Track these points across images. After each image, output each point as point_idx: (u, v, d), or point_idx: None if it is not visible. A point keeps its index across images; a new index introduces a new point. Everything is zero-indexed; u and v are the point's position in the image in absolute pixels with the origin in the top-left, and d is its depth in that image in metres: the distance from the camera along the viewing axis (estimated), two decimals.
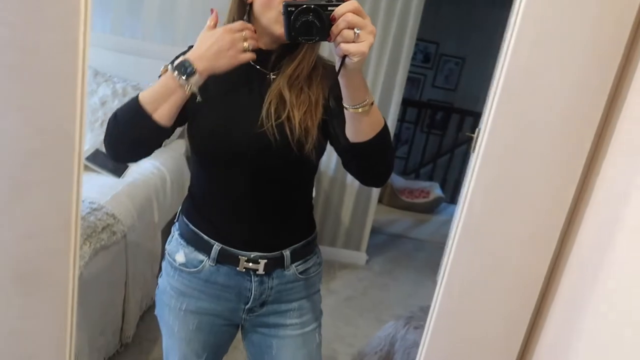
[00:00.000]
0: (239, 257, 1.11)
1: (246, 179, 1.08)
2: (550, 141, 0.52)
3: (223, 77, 1.08)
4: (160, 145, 1.06)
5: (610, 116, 0.51)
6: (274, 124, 1.02)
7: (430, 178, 5.22)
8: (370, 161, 1.03)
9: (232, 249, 1.11)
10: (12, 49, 0.44)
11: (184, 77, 0.93)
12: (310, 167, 1.15)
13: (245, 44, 0.95)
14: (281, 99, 1.04)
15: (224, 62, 0.95)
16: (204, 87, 1.05)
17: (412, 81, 5.30)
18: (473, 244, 0.53)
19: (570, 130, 0.51)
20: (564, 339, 0.53)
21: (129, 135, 1.00)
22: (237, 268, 1.12)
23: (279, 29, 1.00)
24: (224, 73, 1.08)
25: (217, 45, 0.95)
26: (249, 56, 0.96)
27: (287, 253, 1.14)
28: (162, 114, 0.96)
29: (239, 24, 0.96)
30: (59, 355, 0.53)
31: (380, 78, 3.03)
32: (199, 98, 0.96)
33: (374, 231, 3.49)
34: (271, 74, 1.07)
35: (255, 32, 1.05)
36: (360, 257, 3.36)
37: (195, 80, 0.94)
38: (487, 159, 0.52)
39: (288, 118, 1.03)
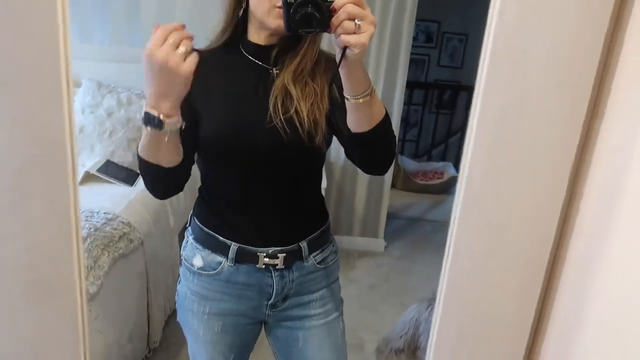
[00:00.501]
0: (258, 253, 1.12)
1: (259, 175, 1.09)
2: (546, 101, 0.50)
3: (226, 76, 1.08)
4: (192, 162, 1.10)
5: (606, 72, 0.49)
6: (282, 118, 1.02)
7: (443, 158, 5.17)
8: (372, 150, 1.04)
9: (249, 246, 1.12)
10: None
11: (157, 128, 0.88)
12: (320, 157, 1.16)
13: (181, 50, 0.81)
14: (287, 93, 1.04)
15: (178, 86, 0.84)
16: (208, 89, 1.06)
17: (416, 62, 5.24)
18: (476, 214, 0.52)
19: (566, 89, 0.50)
20: (577, 303, 0.52)
21: (158, 185, 1.06)
22: (257, 265, 1.12)
23: (272, 22, 1.00)
24: (226, 72, 1.09)
25: (157, 70, 0.82)
26: (191, 63, 0.82)
27: (304, 244, 1.15)
28: (167, 159, 0.97)
29: (160, 32, 0.82)
30: None
31: (383, 62, 3.00)
32: (183, 125, 0.91)
33: (390, 216, 3.48)
34: (274, 69, 1.07)
35: (248, 26, 1.05)
36: (379, 243, 3.35)
37: (169, 122, 0.88)
38: (483, 128, 0.51)
39: (296, 111, 1.03)
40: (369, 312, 2.64)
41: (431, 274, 3.07)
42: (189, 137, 1.01)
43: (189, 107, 1.04)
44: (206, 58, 1.09)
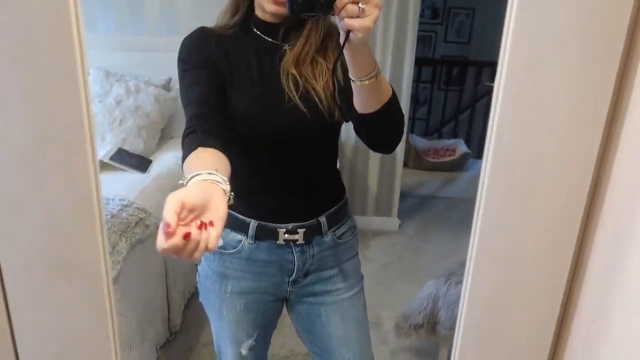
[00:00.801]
0: (278, 230, 1.11)
1: (280, 152, 1.09)
2: (573, 65, 0.49)
3: (243, 56, 1.07)
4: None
5: (636, 34, 0.48)
6: (296, 97, 1.02)
7: (454, 135, 5.13)
8: (379, 130, 1.03)
9: (269, 223, 1.11)
10: (5, 35, 0.44)
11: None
12: (338, 131, 1.15)
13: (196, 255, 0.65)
14: (297, 74, 1.03)
15: None
16: (230, 70, 1.05)
17: (423, 39, 5.17)
18: (506, 174, 0.51)
19: (595, 48, 0.48)
20: (612, 263, 0.51)
21: None
22: (277, 242, 1.12)
23: (267, 6, 1.00)
24: (243, 52, 1.07)
25: None
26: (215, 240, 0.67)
27: (323, 219, 1.15)
28: None
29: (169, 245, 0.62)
30: (102, 340, 0.54)
31: (390, 40, 2.96)
32: (231, 199, 0.81)
33: (403, 195, 3.47)
34: (287, 45, 1.06)
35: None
36: (393, 222, 3.34)
37: None
38: (509, 87, 0.50)
39: (314, 89, 1.03)
40: (385, 290, 2.64)
41: (446, 251, 3.06)
42: (222, 107, 1.00)
43: (218, 77, 1.03)
44: (222, 38, 1.08)
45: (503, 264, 0.56)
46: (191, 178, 0.76)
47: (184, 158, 0.91)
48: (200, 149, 0.89)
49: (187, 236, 0.63)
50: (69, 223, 0.51)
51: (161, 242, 0.61)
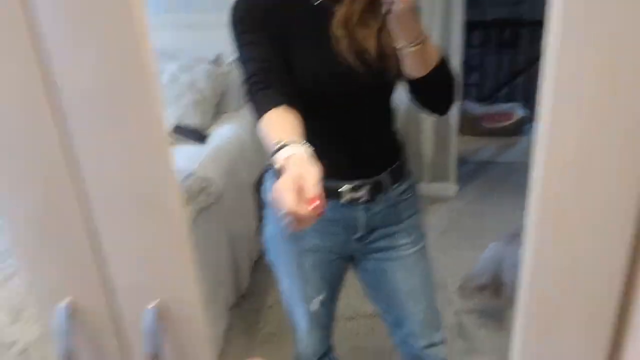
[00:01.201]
0: (342, 188, 1.12)
1: (344, 112, 1.09)
2: None
3: (296, 18, 1.06)
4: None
5: None
6: (349, 58, 1.02)
7: (510, 99, 4.94)
8: (428, 94, 1.03)
9: (333, 182, 1.12)
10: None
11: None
12: (394, 88, 1.14)
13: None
14: (348, 36, 1.02)
15: None
16: (284, 33, 1.04)
17: (473, 2, 4.97)
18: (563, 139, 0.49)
19: None
20: None
21: None
22: (341, 200, 1.13)
23: None
24: (295, 14, 1.06)
25: None
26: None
27: (385, 176, 1.15)
28: None
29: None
30: (185, 277, 0.61)
31: (437, 4, 2.87)
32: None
33: (459, 161, 3.39)
34: (336, 7, 1.05)
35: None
36: (450, 188, 3.28)
37: None
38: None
39: (367, 50, 1.02)
40: (447, 255, 2.60)
41: (507, 215, 2.96)
42: (284, 66, 1.02)
43: (274, 37, 1.03)
44: (272, 0, 1.06)
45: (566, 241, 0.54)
46: (296, 144, 0.85)
47: (262, 111, 0.94)
48: (285, 109, 0.94)
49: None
50: (142, 159, 0.54)
51: (300, 207, 0.74)
